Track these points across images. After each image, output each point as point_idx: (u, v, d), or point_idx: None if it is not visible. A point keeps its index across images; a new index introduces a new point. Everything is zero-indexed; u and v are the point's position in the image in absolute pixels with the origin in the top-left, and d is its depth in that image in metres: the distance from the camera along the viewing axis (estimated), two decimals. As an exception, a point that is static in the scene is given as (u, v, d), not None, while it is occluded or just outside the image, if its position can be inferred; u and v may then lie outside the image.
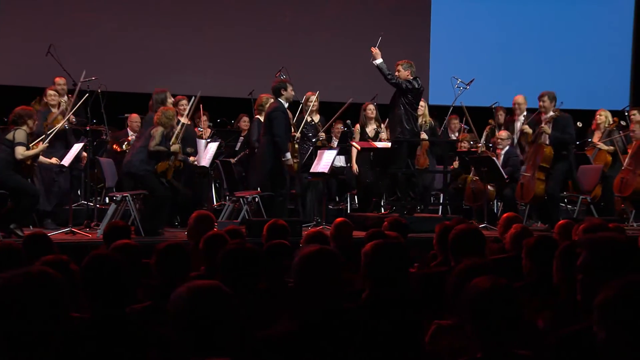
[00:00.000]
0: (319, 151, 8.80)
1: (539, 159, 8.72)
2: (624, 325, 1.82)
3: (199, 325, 2.14)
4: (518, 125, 9.20)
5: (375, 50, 8.62)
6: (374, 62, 8.60)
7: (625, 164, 8.99)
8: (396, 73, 8.70)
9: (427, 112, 9.98)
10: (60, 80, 9.07)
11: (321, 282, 2.65)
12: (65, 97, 8.98)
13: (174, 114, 7.88)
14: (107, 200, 9.02)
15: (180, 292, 2.20)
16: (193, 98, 8.49)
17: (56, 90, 8.78)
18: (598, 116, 9.75)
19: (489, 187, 9.11)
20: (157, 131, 7.72)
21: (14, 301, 1.96)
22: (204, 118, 9.93)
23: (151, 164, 7.74)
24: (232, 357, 2.12)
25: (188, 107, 8.49)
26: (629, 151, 9.03)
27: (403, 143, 8.71)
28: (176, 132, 7.87)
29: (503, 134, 9.39)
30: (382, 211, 9.15)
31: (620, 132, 9.68)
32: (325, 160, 8.58)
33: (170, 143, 7.77)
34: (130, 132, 9.63)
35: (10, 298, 1.96)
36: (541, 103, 8.82)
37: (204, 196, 9.34)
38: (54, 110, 8.45)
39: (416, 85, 8.63)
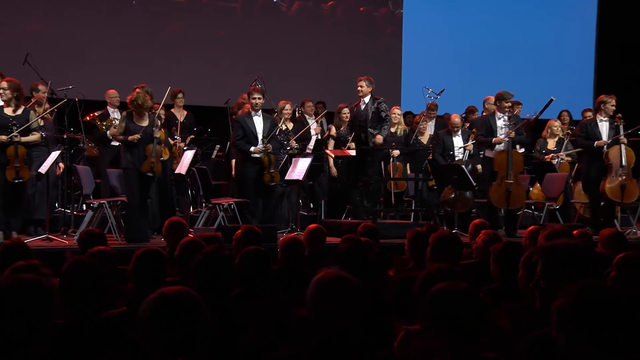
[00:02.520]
0: (293, 159, 8.81)
1: (519, 165, 8.81)
2: (581, 330, 1.84)
3: (166, 331, 2.08)
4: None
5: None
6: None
7: (622, 172, 8.86)
8: (359, 88, 8.92)
9: (402, 120, 10.06)
10: (40, 87, 9.01)
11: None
12: (46, 105, 8.92)
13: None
14: (84, 207, 8.94)
15: (148, 299, 2.16)
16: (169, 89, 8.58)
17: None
18: (554, 126, 10.07)
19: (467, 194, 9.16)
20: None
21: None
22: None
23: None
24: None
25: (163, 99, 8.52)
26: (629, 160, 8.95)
27: (374, 151, 8.84)
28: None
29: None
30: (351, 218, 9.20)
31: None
32: (300, 168, 8.59)
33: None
34: (110, 110, 9.52)
35: None
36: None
37: (181, 203, 9.30)
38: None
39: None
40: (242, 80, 10.94)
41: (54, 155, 7.94)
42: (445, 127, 9.73)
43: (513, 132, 8.63)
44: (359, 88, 9.06)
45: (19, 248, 4.43)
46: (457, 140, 9.45)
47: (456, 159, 9.32)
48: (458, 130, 9.48)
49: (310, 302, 2.37)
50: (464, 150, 9.37)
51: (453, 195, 8.85)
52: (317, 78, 12.35)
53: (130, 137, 7.60)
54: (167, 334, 2.07)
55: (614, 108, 8.97)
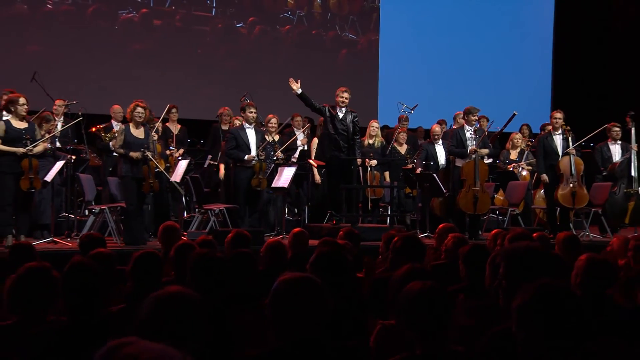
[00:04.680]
0: (279, 168, 8.81)
1: (484, 174, 8.88)
2: (539, 326, 1.85)
3: (165, 328, 2.03)
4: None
5: (293, 82, 8.67)
6: (296, 92, 8.67)
7: (572, 180, 8.97)
8: (345, 99, 8.86)
9: (379, 132, 10.09)
10: (59, 102, 9.02)
11: (300, 311, 2.26)
12: (61, 118, 8.91)
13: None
14: (86, 212, 8.88)
15: (150, 297, 2.12)
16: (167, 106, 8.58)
17: (51, 112, 8.71)
18: (515, 139, 10.30)
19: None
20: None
21: None
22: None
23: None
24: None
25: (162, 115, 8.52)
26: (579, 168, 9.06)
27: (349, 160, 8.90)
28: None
29: None
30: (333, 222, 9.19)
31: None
32: (285, 176, 8.59)
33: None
34: (114, 123, 9.48)
35: None
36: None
37: (175, 208, 9.26)
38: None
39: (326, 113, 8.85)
40: (231, 95, 10.93)
41: (59, 164, 7.89)
42: (418, 139, 9.80)
43: (479, 149, 8.78)
44: (345, 99, 8.94)
45: (25, 249, 4.40)
46: (439, 149, 9.53)
47: (440, 165, 9.40)
48: (439, 139, 9.57)
49: (270, 303, 2.29)
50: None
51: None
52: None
53: (131, 154, 7.58)
54: (166, 331, 2.03)
55: (561, 122, 9.10)
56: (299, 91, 8.69)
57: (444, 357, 2.34)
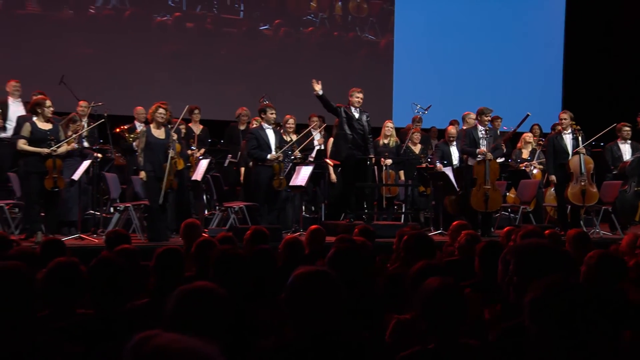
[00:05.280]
0: (296, 167, 8.82)
1: (495, 173, 8.87)
2: (551, 320, 1.84)
3: (192, 321, 2.03)
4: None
5: (316, 83, 8.65)
6: (317, 93, 8.65)
7: (582, 179, 8.91)
8: (360, 99, 8.87)
9: (394, 132, 10.08)
10: (83, 104, 9.09)
11: (315, 303, 2.24)
12: (86, 119, 8.99)
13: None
14: (111, 210, 8.94)
15: (177, 291, 2.12)
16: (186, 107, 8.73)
17: (77, 112, 8.79)
18: (527, 139, 10.28)
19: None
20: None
21: None
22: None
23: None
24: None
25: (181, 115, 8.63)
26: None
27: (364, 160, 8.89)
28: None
29: None
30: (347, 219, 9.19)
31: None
32: (302, 175, 8.60)
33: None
34: (137, 124, 9.53)
35: None
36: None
37: (196, 206, 9.31)
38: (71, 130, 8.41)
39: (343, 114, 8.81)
40: (251, 96, 10.97)
41: (86, 164, 7.96)
42: (432, 139, 9.79)
43: (490, 151, 8.79)
44: (360, 99, 8.92)
45: (56, 244, 4.44)
46: (453, 149, 9.54)
47: (454, 165, 9.39)
48: (454, 140, 9.57)
49: (288, 295, 2.28)
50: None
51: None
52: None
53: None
54: (192, 323, 2.03)
55: (567, 122, 9.07)
56: (320, 92, 8.67)
57: (457, 351, 2.34)
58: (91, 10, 11.82)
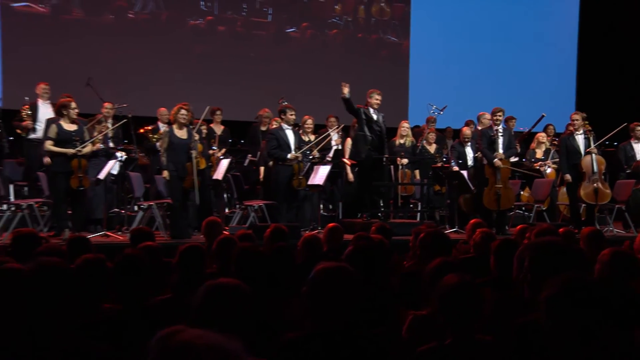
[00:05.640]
0: (314, 167, 8.83)
1: (506, 172, 8.83)
2: (567, 316, 1.83)
3: (217, 318, 2.03)
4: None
5: (345, 86, 8.65)
6: (345, 96, 8.64)
7: (594, 178, 8.88)
8: (379, 101, 8.84)
9: (410, 132, 10.05)
10: (107, 105, 9.17)
11: (335, 297, 2.25)
12: (110, 120, 9.07)
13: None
14: (135, 208, 9.00)
15: (202, 288, 2.12)
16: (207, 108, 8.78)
17: (102, 114, 8.92)
18: (541, 139, 10.26)
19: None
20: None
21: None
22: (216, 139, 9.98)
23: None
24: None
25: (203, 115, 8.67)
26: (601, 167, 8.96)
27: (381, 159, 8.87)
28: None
29: None
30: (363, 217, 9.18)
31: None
32: (320, 174, 8.60)
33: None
34: (160, 125, 9.59)
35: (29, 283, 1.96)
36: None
37: (217, 205, 9.35)
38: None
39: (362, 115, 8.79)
40: (269, 98, 10.99)
41: (111, 163, 8.02)
42: (447, 139, 9.75)
43: (504, 153, 8.83)
44: (379, 101, 8.91)
45: (82, 241, 4.48)
46: (468, 150, 9.51)
47: (469, 165, 9.36)
48: (468, 141, 9.54)
49: (308, 290, 2.29)
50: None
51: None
52: (332, 95, 12.33)
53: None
54: (218, 318, 2.03)
55: (579, 123, 9.03)
56: (348, 96, 8.68)
57: (472, 346, 2.33)
58: (130, 15, 12.00)
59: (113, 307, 2.94)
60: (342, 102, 8.72)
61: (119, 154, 8.51)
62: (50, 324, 1.95)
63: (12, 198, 8.76)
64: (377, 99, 8.88)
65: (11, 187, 8.96)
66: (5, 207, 8.25)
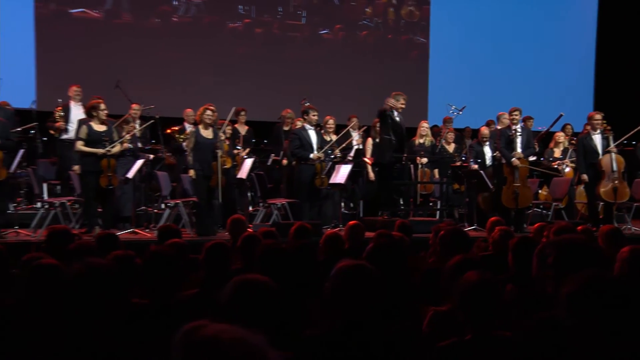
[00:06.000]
0: (336, 166, 8.82)
1: (524, 171, 8.75)
2: (588, 313, 1.81)
3: (244, 313, 2.01)
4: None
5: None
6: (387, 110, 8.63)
7: (614, 177, 8.78)
8: (404, 104, 8.83)
9: (429, 132, 10.00)
10: (135, 106, 9.25)
11: (356, 294, 2.25)
12: (138, 121, 9.15)
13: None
14: (162, 206, 9.07)
15: (230, 283, 2.12)
16: (233, 109, 8.82)
17: (130, 115, 8.97)
18: (558, 137, 10.20)
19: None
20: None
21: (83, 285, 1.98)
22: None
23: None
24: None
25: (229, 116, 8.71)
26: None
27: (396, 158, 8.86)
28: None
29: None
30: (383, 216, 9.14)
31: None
32: (342, 173, 8.59)
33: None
34: (186, 125, 9.65)
35: (81, 283, 1.98)
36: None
37: (241, 203, 9.38)
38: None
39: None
40: (292, 99, 11.00)
41: (139, 163, 8.08)
42: (466, 139, 9.68)
43: (523, 152, 8.75)
44: (404, 105, 8.90)
45: (111, 238, 4.53)
46: (486, 149, 9.43)
47: (487, 164, 9.29)
48: (487, 140, 9.46)
49: (330, 288, 2.29)
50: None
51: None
52: (353, 96, 12.33)
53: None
54: (245, 313, 2.03)
55: (599, 122, 8.94)
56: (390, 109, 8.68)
57: (492, 342, 2.31)
58: (174, 19, 12.14)
59: (141, 302, 2.95)
60: (380, 111, 8.66)
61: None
62: (89, 320, 1.96)
63: (45, 196, 8.87)
64: (402, 103, 8.85)
65: (45, 186, 9.07)
66: (39, 204, 8.35)
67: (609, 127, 8.97)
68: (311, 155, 8.55)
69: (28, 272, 2.74)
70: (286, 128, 10.07)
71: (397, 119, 8.84)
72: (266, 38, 12.69)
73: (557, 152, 10.14)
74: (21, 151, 7.71)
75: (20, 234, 7.48)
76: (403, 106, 8.82)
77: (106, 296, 1.97)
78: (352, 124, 10.20)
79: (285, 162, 9.33)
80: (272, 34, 12.76)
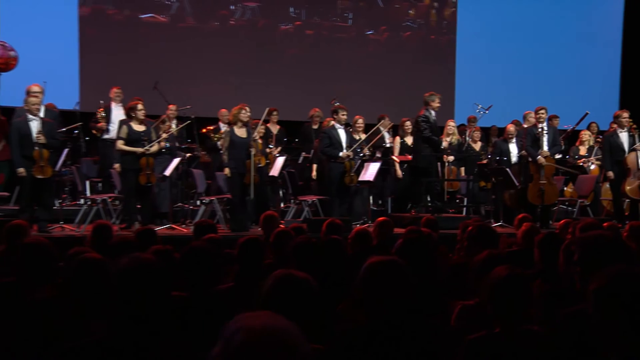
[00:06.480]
0: (365, 164, 8.80)
1: (550, 169, 8.63)
2: (615, 309, 1.77)
3: (283, 306, 1.98)
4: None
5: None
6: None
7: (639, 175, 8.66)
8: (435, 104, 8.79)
9: (456, 131, 9.92)
10: (172, 107, 9.35)
11: (387, 290, 2.23)
12: (175, 121, 9.24)
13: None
14: (198, 202, 9.16)
15: (270, 277, 2.12)
16: (266, 109, 8.88)
17: (167, 115, 9.06)
18: (583, 135, 10.07)
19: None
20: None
21: (129, 280, 2.01)
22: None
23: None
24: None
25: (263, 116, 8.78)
26: None
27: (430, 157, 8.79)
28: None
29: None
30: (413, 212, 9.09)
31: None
32: (370, 171, 8.57)
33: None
34: (221, 125, 9.71)
35: (126, 278, 2.01)
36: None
37: (274, 200, 9.41)
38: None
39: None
40: (320, 99, 11.01)
41: (176, 161, 8.17)
42: (492, 137, 9.58)
43: (549, 150, 8.64)
44: (439, 104, 8.91)
45: (149, 233, 4.58)
46: (512, 147, 9.31)
47: (513, 161, 9.18)
48: (512, 138, 9.34)
49: (361, 283, 2.27)
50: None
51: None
52: (381, 96, 12.27)
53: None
54: (284, 306, 1.99)
55: (626, 120, 8.82)
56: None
57: (520, 336, 2.28)
58: (231, 22, 12.25)
59: (180, 295, 2.98)
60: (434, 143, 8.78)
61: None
62: (137, 312, 1.99)
63: (88, 193, 9.02)
64: (438, 103, 8.86)
65: (87, 183, 9.22)
66: (82, 201, 8.49)
67: (634, 126, 8.88)
68: (340, 154, 8.56)
69: (74, 265, 2.79)
70: (315, 127, 10.07)
71: (432, 119, 8.85)
72: (315, 39, 12.71)
73: (583, 150, 10.00)
74: (66, 150, 7.85)
75: (65, 229, 7.63)
76: (439, 105, 8.85)
77: (154, 289, 1.99)
78: (383, 122, 10.16)
79: (315, 166, 9.34)
80: (322, 35, 12.77)
